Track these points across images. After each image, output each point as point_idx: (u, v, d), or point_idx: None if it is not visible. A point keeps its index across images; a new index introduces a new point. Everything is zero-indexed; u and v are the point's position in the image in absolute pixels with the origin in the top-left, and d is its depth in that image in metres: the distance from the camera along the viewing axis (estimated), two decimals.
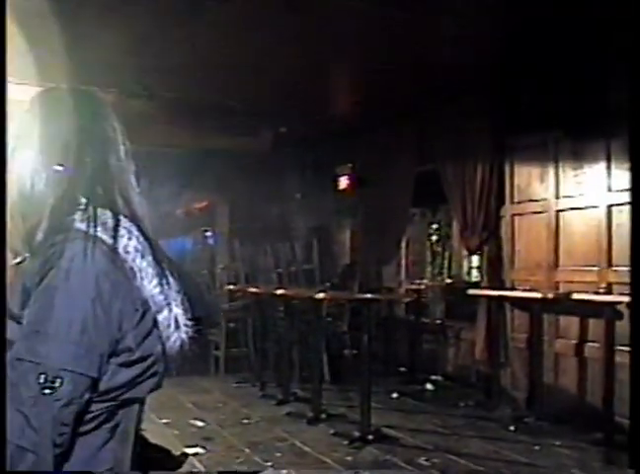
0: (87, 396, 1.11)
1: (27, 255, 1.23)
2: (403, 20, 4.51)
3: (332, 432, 5.15)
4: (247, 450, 4.75)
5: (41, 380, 1.06)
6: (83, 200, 1.20)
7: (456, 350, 6.79)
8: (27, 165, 1.22)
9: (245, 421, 5.58)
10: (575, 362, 5.33)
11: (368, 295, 5.49)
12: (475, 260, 6.87)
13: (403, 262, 7.73)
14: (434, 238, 7.60)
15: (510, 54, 5.29)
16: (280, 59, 5.28)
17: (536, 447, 4.73)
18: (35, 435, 1.05)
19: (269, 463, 4.47)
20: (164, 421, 5.33)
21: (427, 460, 4.51)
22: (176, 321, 1.23)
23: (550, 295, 5.29)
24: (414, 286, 7.41)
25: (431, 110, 6.55)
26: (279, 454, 4.67)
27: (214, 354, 7.41)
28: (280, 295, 6.30)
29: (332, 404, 5.81)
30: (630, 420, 1.13)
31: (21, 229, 1.23)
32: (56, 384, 1.06)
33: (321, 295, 5.68)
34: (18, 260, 1.30)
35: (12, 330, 1.15)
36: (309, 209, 8.35)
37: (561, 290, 5.41)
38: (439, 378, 6.77)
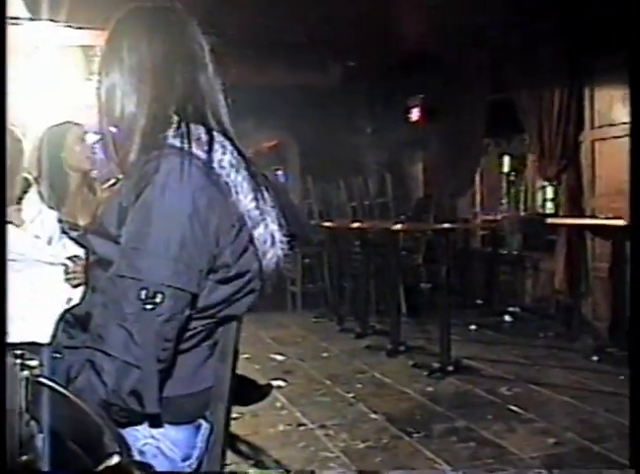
0: (187, 312, 1.12)
1: (119, 176, 1.23)
2: None
3: (411, 363, 5.18)
4: (327, 382, 4.82)
5: (142, 296, 1.07)
6: (175, 118, 1.18)
7: (534, 281, 6.66)
8: (115, 87, 1.21)
9: (324, 354, 5.66)
10: None
11: (446, 225, 5.40)
12: (550, 192, 6.66)
13: (478, 194, 7.57)
14: (508, 168, 7.37)
15: None
16: None
17: (621, 377, 4.62)
18: (139, 351, 1.06)
19: (350, 394, 4.53)
20: (245, 355, 5.45)
21: (508, 390, 4.48)
22: (272, 237, 1.22)
23: None
24: (490, 218, 7.26)
25: (503, 34, 6.25)
26: (359, 386, 4.72)
27: (291, 289, 7.49)
28: (356, 228, 6.30)
29: (410, 337, 5.82)
30: (630, 419, 1.16)
31: (114, 154, 1.24)
32: (157, 300, 1.07)
33: (398, 227, 5.64)
34: (111, 182, 1.31)
35: (110, 249, 1.17)
36: (380, 143, 8.22)
37: None
38: (517, 310, 6.67)
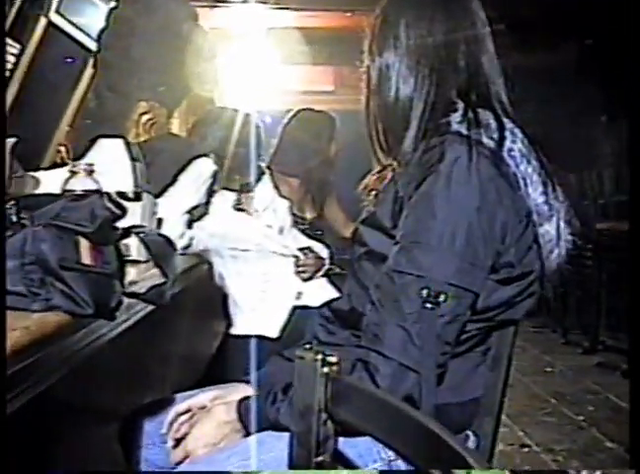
0: (468, 314, 1.10)
1: (392, 164, 1.25)
2: None
3: None
4: (553, 401, 4.61)
5: (424, 294, 1.06)
6: (460, 103, 1.16)
7: None
8: (389, 68, 1.22)
9: (548, 369, 5.43)
10: None
11: None
12: None
13: None
14: None
15: None
16: None
17: None
18: (418, 353, 1.05)
19: (580, 417, 4.30)
20: None
21: None
22: (558, 235, 1.17)
23: None
24: None
25: None
26: (591, 408, 4.45)
27: None
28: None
29: None
30: (630, 419, 1.01)
31: (382, 142, 1.25)
32: (440, 299, 1.06)
33: None
34: (375, 171, 1.33)
35: (381, 242, 1.17)
36: (617, 133, 7.70)
37: None
38: None
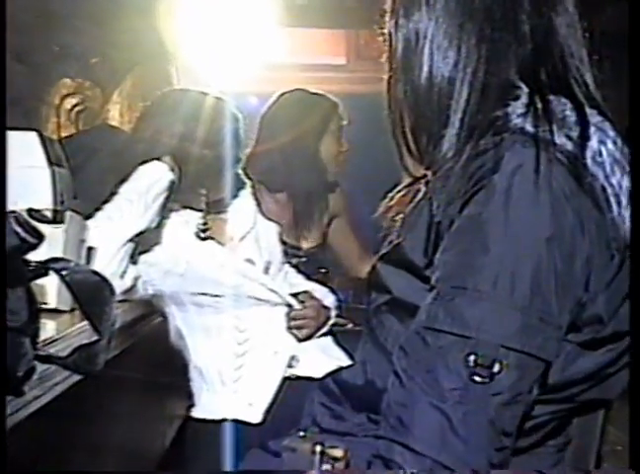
0: (536, 391, 1.10)
1: (424, 175, 1.26)
2: None
3: None
4: None
5: (471, 363, 1.07)
6: (523, 87, 1.17)
7: None
8: (419, 36, 1.24)
9: None
10: None
11: None
12: None
13: None
14: None
15: None
16: None
17: None
18: (462, 449, 1.06)
19: None
20: None
21: None
22: None
23: None
24: None
25: None
26: None
27: None
28: None
29: None
30: (630, 419, 1.00)
31: (411, 143, 1.27)
32: (495, 369, 1.06)
33: None
34: (403, 185, 1.35)
35: (409, 287, 1.18)
36: None
37: None
38: None
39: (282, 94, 3.13)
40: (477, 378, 1.06)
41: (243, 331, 2.47)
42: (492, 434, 1.07)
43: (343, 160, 3.21)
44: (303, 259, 2.99)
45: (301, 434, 1.01)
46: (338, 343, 2.63)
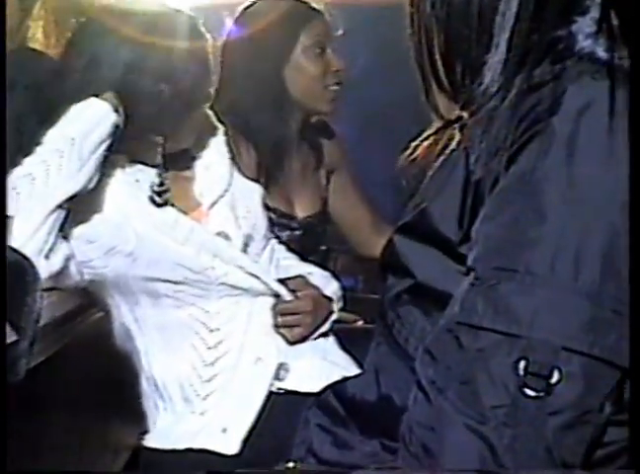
0: (609, 409, 1.11)
1: (458, 117, 1.27)
2: None
3: None
4: None
5: (521, 371, 1.08)
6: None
7: None
8: None
9: None
10: None
11: None
12: None
13: None
14: None
15: None
16: None
17: None
18: None
19: None
20: None
21: None
22: None
23: None
24: None
25: None
26: None
27: None
28: None
29: None
30: (630, 419, 1.00)
31: (441, 73, 1.29)
32: (553, 379, 1.07)
33: None
34: (428, 133, 1.35)
35: (438, 269, 1.20)
36: None
37: None
38: None
39: (249, 5, 3.06)
40: (529, 391, 1.07)
41: (214, 330, 2.45)
42: (548, 467, 1.08)
43: (333, 91, 3.04)
44: (297, 232, 2.96)
45: (290, 465, 1.02)
46: (342, 345, 2.62)
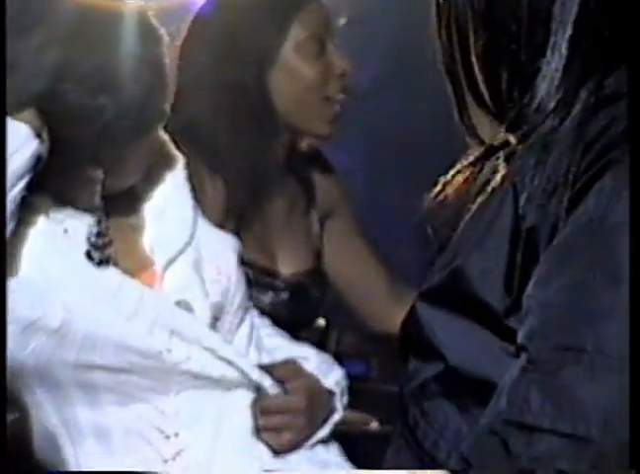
0: None
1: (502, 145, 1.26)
2: None
3: None
4: None
5: None
6: None
7: None
8: None
9: None
10: None
11: None
12: None
13: None
14: None
15: None
16: None
17: None
18: None
19: None
20: None
21: None
22: None
23: None
24: None
25: None
26: None
27: None
28: None
29: None
30: (630, 420, 1.03)
31: (481, 83, 1.31)
32: None
33: None
34: (468, 161, 1.35)
35: (482, 349, 1.20)
36: None
37: None
38: None
39: None
40: None
41: (172, 437, 2.45)
42: None
43: (335, 105, 2.98)
44: (283, 295, 2.94)
45: None
46: (348, 455, 2.60)
